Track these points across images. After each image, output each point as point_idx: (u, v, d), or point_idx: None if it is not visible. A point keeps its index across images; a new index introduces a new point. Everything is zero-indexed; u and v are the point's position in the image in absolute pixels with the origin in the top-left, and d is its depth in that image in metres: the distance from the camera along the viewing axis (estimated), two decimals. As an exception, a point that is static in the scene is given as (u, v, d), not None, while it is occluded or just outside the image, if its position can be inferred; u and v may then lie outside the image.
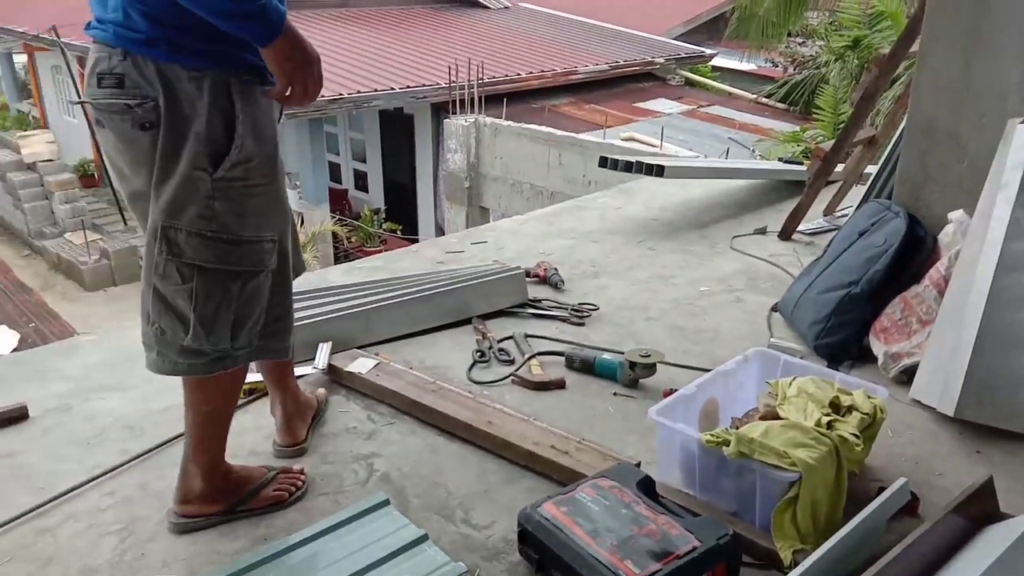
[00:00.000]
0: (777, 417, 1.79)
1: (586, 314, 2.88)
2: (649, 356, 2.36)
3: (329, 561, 1.61)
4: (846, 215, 3.62)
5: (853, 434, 1.73)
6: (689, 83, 13.61)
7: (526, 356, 2.52)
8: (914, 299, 2.48)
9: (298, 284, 2.05)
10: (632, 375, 2.36)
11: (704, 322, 2.86)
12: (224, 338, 1.57)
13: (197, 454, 1.72)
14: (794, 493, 1.60)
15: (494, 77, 10.35)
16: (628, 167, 4.08)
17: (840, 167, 3.98)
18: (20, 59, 19.47)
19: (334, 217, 11.22)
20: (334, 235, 10.83)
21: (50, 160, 14.12)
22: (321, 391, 2.26)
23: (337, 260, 10.22)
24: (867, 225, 2.77)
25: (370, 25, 13.43)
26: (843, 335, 2.56)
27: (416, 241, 9.57)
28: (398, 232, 11.59)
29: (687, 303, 3.03)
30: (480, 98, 9.52)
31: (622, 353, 2.43)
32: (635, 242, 3.75)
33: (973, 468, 1.98)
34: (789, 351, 2.38)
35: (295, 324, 1.84)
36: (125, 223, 14.20)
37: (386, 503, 1.77)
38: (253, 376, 2.31)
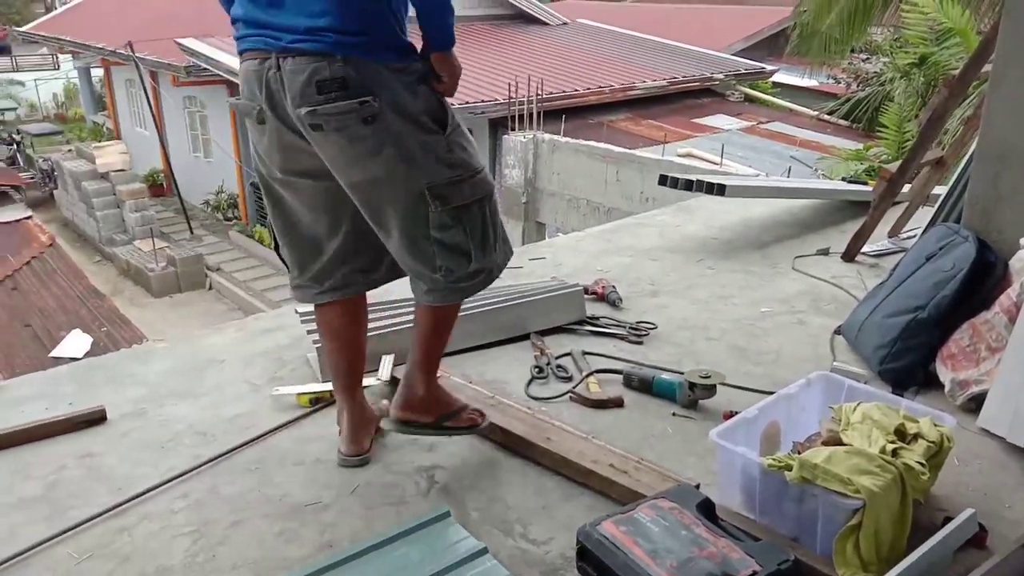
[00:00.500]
0: (840, 443, 1.77)
1: (644, 333, 2.87)
2: (709, 377, 2.35)
3: (391, 570, 1.64)
4: (912, 237, 3.56)
5: (919, 462, 1.70)
6: (749, 99, 13.42)
7: (584, 373, 2.53)
8: (983, 325, 2.43)
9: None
10: (692, 396, 2.35)
11: (765, 344, 2.83)
12: (494, 252, 1.93)
13: (427, 363, 2.03)
14: (857, 520, 1.58)
15: (552, 93, 10.39)
16: (688, 185, 4.06)
17: (906, 188, 3.91)
18: (97, 73, 20.38)
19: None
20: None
21: (122, 170, 14.69)
22: (384, 402, 2.31)
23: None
24: (935, 249, 2.72)
25: (431, 42, 13.62)
26: (909, 360, 2.51)
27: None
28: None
29: (748, 324, 3.00)
30: (539, 114, 9.58)
31: (681, 373, 2.43)
32: (694, 261, 3.73)
33: (1045, 501, 1.93)
34: (853, 375, 2.35)
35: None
36: (191, 232, 14.69)
37: (447, 515, 1.80)
38: (320, 386, 2.39)
